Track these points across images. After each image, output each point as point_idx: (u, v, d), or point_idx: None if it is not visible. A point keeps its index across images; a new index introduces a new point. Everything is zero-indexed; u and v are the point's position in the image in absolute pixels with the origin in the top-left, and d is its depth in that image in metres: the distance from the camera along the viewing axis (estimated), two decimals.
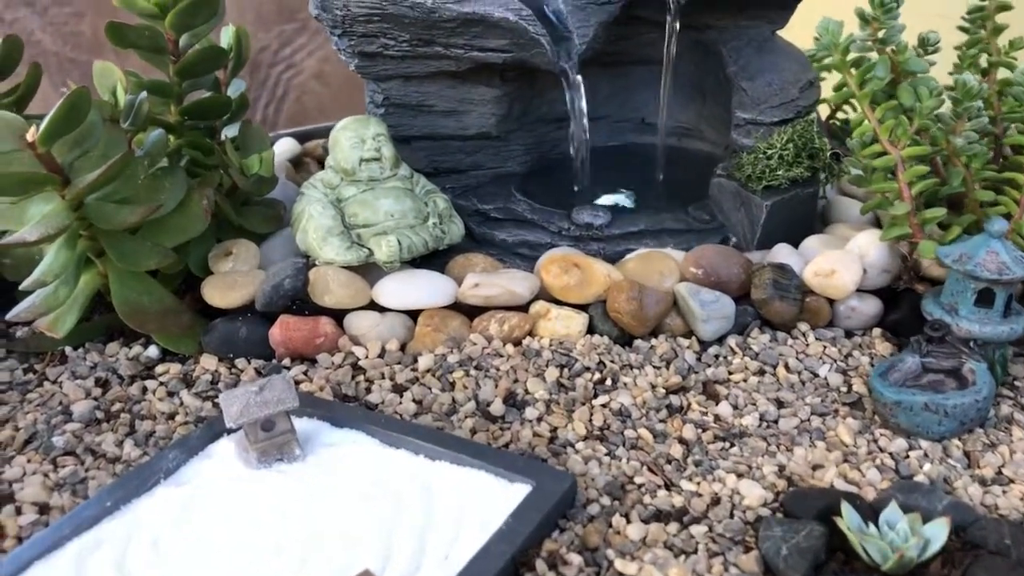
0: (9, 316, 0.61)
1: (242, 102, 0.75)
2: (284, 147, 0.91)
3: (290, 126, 1.22)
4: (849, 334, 0.65)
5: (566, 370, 0.60)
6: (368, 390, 0.59)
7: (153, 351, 0.64)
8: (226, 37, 0.76)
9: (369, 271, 0.64)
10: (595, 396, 0.58)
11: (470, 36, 0.69)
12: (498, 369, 0.60)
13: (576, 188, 0.74)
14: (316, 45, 1.65)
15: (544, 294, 0.63)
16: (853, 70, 0.67)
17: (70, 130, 0.57)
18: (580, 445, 0.54)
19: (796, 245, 0.68)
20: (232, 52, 0.77)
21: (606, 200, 0.74)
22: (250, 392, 0.52)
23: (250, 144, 0.70)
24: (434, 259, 0.67)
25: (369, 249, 0.64)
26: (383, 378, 0.60)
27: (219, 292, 0.63)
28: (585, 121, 0.72)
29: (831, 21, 0.68)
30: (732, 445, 0.54)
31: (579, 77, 0.71)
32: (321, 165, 0.93)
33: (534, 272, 0.66)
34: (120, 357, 0.64)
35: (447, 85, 0.74)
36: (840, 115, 0.86)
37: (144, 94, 0.65)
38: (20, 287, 0.60)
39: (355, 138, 0.66)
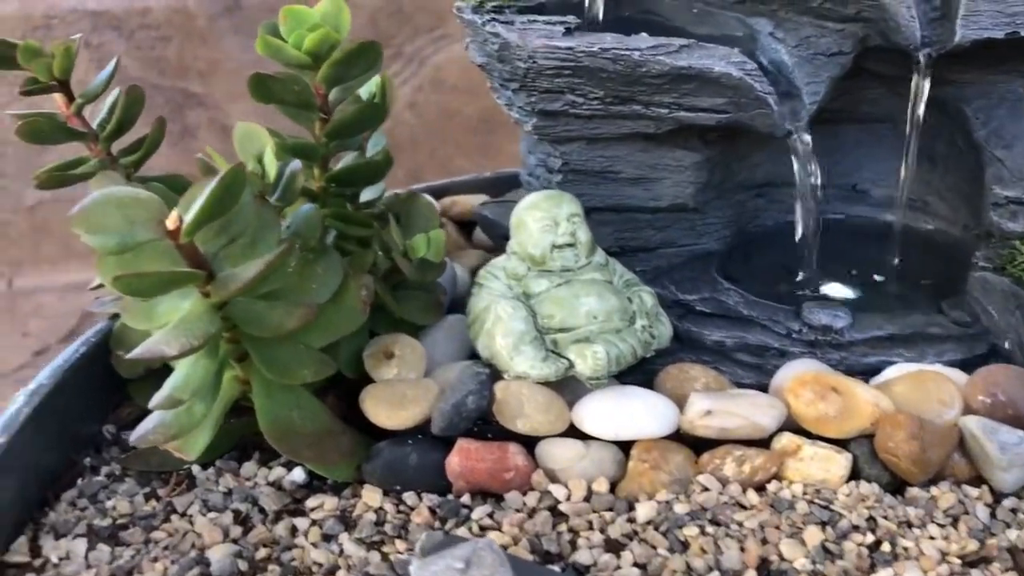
0: (134, 439, 0.50)
1: (387, 162, 0.64)
2: None
3: None
4: None
5: (830, 529, 0.47)
6: (574, 545, 0.47)
7: (298, 474, 0.53)
8: (368, 86, 0.64)
9: (565, 386, 0.52)
10: (872, 568, 0.45)
11: (679, 94, 0.57)
12: (741, 525, 0.47)
13: (801, 276, 0.62)
14: (410, 73, 1.55)
15: (789, 422, 0.51)
16: None
17: (220, 215, 0.46)
18: None
19: None
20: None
21: (831, 290, 0.61)
22: (453, 570, 0.40)
23: (414, 220, 0.58)
24: (637, 367, 0.54)
25: (568, 360, 0.51)
26: (591, 529, 0.48)
27: (386, 409, 0.51)
28: (818, 195, 0.60)
29: None
30: None
31: (810, 142, 0.59)
32: (462, 227, 0.82)
33: (770, 391, 0.53)
34: (259, 481, 0.53)
35: (639, 148, 0.62)
36: None
37: (296, 163, 0.53)
38: (150, 405, 0.48)
39: (546, 219, 0.54)
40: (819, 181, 0.60)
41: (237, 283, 0.45)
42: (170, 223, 0.45)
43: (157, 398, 0.48)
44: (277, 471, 0.53)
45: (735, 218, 0.67)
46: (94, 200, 0.45)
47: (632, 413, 0.50)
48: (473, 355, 0.58)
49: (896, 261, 0.64)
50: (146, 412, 0.59)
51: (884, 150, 0.70)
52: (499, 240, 0.68)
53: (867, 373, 0.55)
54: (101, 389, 0.59)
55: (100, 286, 0.58)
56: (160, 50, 1.44)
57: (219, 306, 0.48)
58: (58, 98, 0.60)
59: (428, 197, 0.59)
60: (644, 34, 0.57)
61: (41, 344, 1.46)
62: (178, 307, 0.49)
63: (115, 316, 0.61)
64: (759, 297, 0.59)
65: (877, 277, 0.63)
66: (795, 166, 0.60)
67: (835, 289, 0.61)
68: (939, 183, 0.68)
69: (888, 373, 0.53)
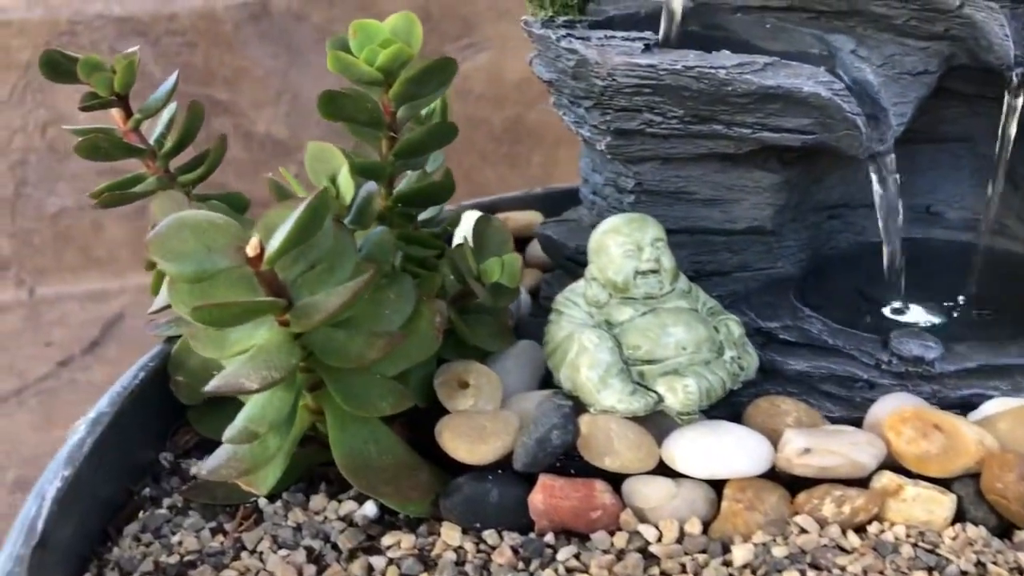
0: (205, 474, 0.47)
1: (452, 182, 0.62)
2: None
3: None
4: None
5: (937, 575, 0.45)
6: None
7: (370, 508, 0.51)
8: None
9: (651, 421, 0.50)
10: None
11: (764, 114, 0.55)
12: (844, 570, 0.45)
13: (887, 305, 0.59)
14: None
15: (888, 461, 0.48)
16: None
17: (303, 242, 0.44)
18: None
19: None
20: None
21: (914, 317, 0.59)
22: None
23: (487, 243, 0.56)
24: (723, 399, 0.52)
25: (657, 393, 0.49)
26: (684, 572, 0.46)
27: (466, 443, 0.49)
28: (900, 219, 0.58)
29: None
30: None
31: (894, 165, 0.57)
32: (514, 244, 0.79)
33: (864, 426, 0.51)
34: (329, 515, 0.51)
35: (715, 169, 0.60)
36: None
37: (372, 185, 0.51)
38: (224, 438, 0.46)
39: (629, 244, 0.52)
40: (901, 204, 0.58)
41: (320, 313, 0.43)
42: (250, 250, 0.43)
43: (232, 431, 0.46)
44: (348, 505, 0.51)
45: (810, 241, 0.64)
46: (169, 225, 0.43)
47: (726, 450, 0.47)
48: (545, 383, 0.56)
49: (977, 286, 0.61)
50: (205, 439, 0.57)
51: (960, 171, 0.68)
52: (563, 261, 0.66)
53: (962, 407, 0.53)
54: (158, 415, 0.57)
55: (161, 310, 0.56)
56: (186, 56, 1.42)
57: (297, 335, 0.46)
58: (115, 113, 0.58)
59: (499, 220, 0.57)
60: (726, 51, 0.55)
61: (65, 354, 1.44)
62: (252, 335, 0.47)
63: (171, 339, 0.59)
64: (841, 324, 0.57)
65: (959, 303, 0.61)
66: (877, 189, 0.58)
67: (918, 316, 0.59)
68: (1020, 206, 0.66)
69: (988, 408, 0.51)
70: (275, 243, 0.42)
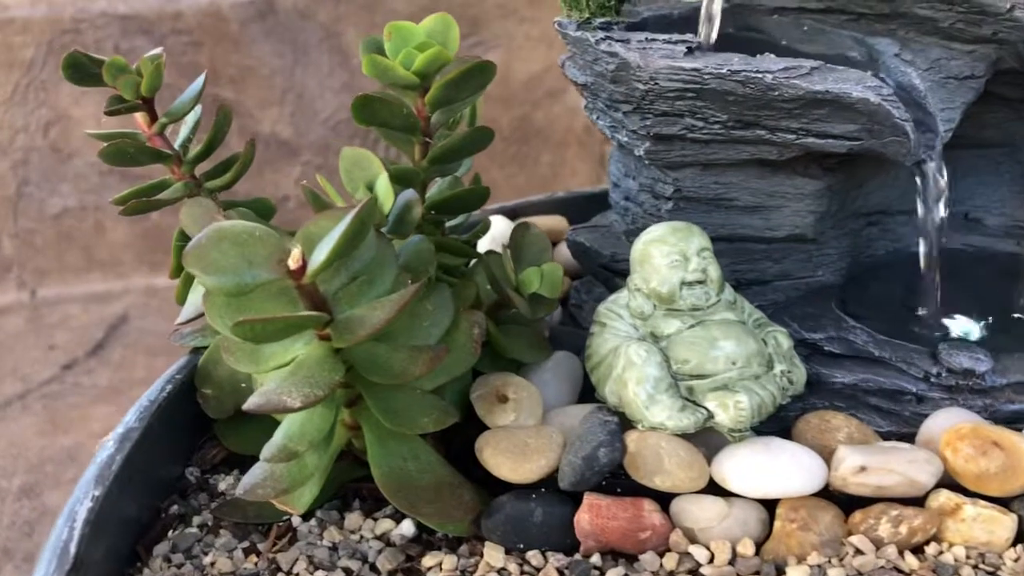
0: (241, 492, 0.45)
1: (487, 189, 0.60)
2: (499, 230, 0.75)
3: None
4: None
5: None
6: None
7: (407, 527, 0.49)
8: None
9: (699, 438, 0.48)
10: None
11: (810, 119, 0.53)
12: None
13: (922, 312, 0.58)
14: None
15: (945, 479, 0.47)
16: None
17: (348, 254, 0.42)
18: None
19: None
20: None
21: (959, 327, 0.58)
22: None
23: (525, 251, 0.55)
24: (772, 414, 0.51)
25: (707, 409, 0.48)
26: None
27: (509, 461, 0.47)
28: (944, 227, 0.56)
29: None
30: None
31: (943, 171, 0.55)
32: None
33: (917, 442, 0.49)
34: (365, 534, 0.49)
35: (755, 175, 0.58)
36: None
37: (412, 193, 0.50)
38: (262, 456, 0.44)
39: (674, 254, 0.50)
40: (945, 213, 0.57)
41: (365, 328, 0.42)
42: (292, 262, 0.41)
43: (271, 449, 0.44)
44: (384, 523, 0.50)
45: (850, 248, 0.63)
46: (209, 236, 0.41)
47: (779, 468, 0.46)
48: (584, 396, 0.55)
49: (1020, 295, 0.60)
50: (233, 454, 0.56)
51: (1000, 176, 0.67)
52: (596, 269, 0.64)
53: (1015, 421, 0.51)
54: (185, 429, 0.55)
55: (191, 320, 0.55)
56: (192, 55, 1.40)
57: (338, 350, 0.44)
58: (139, 117, 0.56)
59: (537, 228, 0.55)
60: (770, 54, 0.54)
61: (68, 358, 1.42)
62: (289, 349, 0.45)
63: (197, 350, 0.57)
64: (887, 335, 0.56)
65: (1004, 312, 0.59)
66: (921, 196, 0.56)
67: (963, 326, 0.58)
68: None
69: None
70: (320, 256, 0.40)
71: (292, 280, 0.42)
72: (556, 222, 0.80)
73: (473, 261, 0.58)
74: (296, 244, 0.42)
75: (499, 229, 0.76)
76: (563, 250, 0.71)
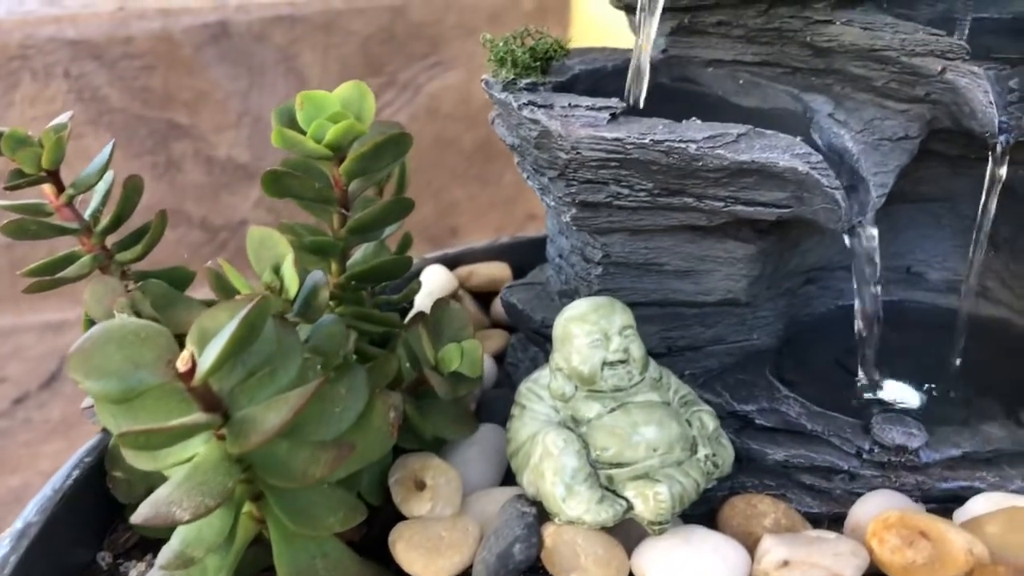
0: None
1: (409, 259, 0.57)
2: (436, 282, 0.73)
3: None
4: None
5: None
6: None
7: None
8: None
9: (620, 529, 0.47)
10: None
11: (737, 187, 0.52)
12: None
13: (860, 381, 0.57)
14: (404, 101, 1.50)
15: (872, 569, 0.45)
16: None
17: (240, 353, 0.40)
18: None
19: None
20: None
21: (894, 394, 0.56)
22: None
23: (445, 327, 0.53)
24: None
25: (626, 500, 0.46)
26: None
27: (422, 557, 0.45)
28: (878, 290, 0.55)
29: None
30: None
31: (875, 236, 0.54)
32: (479, 299, 0.76)
33: (846, 529, 0.48)
34: None
35: (686, 240, 0.56)
36: None
37: (320, 275, 0.48)
38: (157, 564, 0.42)
39: (595, 333, 0.49)
40: (879, 275, 0.56)
41: (259, 434, 0.40)
42: (181, 364, 0.39)
43: (166, 555, 0.42)
44: None
45: (787, 308, 0.61)
46: (92, 340, 0.39)
47: (701, 563, 0.44)
48: (510, 475, 0.53)
49: (960, 357, 0.58)
50: (144, 538, 0.54)
51: (941, 230, 0.65)
52: (528, 332, 0.63)
53: (946, 500, 0.50)
54: (95, 512, 0.53)
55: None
56: (144, 80, 1.38)
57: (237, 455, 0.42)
58: (47, 189, 0.54)
59: (458, 304, 0.54)
60: (696, 119, 0.52)
61: (20, 391, 1.39)
62: (187, 447, 0.43)
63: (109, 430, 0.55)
64: (821, 405, 0.54)
65: (942, 377, 0.58)
66: (856, 260, 0.55)
67: (899, 392, 0.56)
68: (1002, 269, 0.63)
69: (975, 506, 0.48)
70: (209, 358, 0.38)
71: (183, 383, 0.40)
72: (499, 270, 0.78)
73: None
74: (188, 343, 0.40)
75: (438, 282, 0.74)
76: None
